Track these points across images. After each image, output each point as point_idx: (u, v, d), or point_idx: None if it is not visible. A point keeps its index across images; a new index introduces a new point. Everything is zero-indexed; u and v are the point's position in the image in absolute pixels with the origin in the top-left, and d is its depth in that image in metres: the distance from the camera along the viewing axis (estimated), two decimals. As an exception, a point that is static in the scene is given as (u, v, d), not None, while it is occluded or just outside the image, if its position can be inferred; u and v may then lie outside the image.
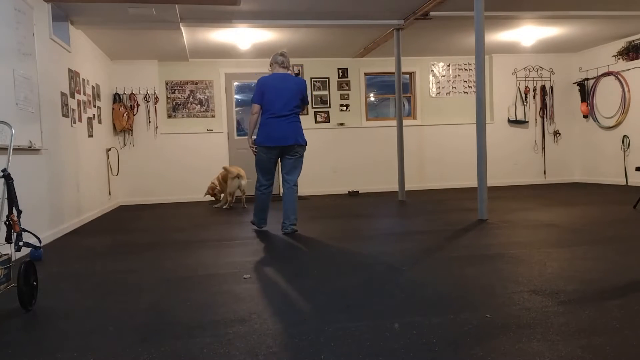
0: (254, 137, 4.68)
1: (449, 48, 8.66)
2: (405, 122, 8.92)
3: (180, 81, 8.65)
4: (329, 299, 2.51)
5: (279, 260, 3.47)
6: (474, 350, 1.80)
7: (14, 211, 2.56)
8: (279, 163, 4.72)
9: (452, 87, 9.46)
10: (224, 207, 7.16)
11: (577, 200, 6.47)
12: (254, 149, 4.65)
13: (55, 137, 5.05)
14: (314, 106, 9.08)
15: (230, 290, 2.72)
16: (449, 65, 9.43)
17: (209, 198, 7.76)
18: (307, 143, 4.71)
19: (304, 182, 8.91)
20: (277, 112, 4.51)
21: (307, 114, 9.03)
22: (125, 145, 8.35)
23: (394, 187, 8.39)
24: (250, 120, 4.65)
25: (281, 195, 4.78)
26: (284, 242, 4.23)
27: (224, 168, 7.18)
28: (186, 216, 6.35)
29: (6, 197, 2.55)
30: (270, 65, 4.70)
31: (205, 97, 8.74)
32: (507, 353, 1.76)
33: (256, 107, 4.58)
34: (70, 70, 5.72)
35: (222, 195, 7.26)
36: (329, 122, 9.12)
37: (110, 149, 7.81)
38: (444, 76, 9.43)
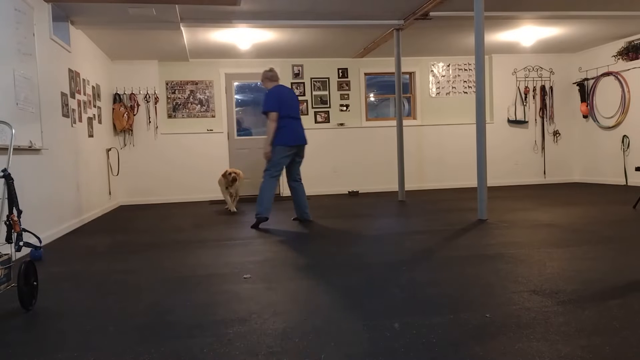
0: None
1: (449, 48, 8.66)
2: (405, 122, 8.93)
3: (181, 81, 8.65)
4: (329, 298, 2.51)
5: (279, 260, 3.47)
6: (474, 350, 1.80)
7: (14, 211, 2.56)
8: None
9: (452, 87, 9.46)
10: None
11: (577, 200, 6.47)
12: (270, 153, 5.09)
13: (55, 137, 5.05)
14: (314, 106, 9.08)
15: (230, 290, 2.72)
16: (448, 65, 9.43)
17: (216, 196, 7.71)
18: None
19: (303, 182, 8.91)
20: (293, 116, 5.13)
21: (307, 114, 9.04)
22: (125, 145, 8.35)
23: (394, 187, 8.39)
24: (272, 127, 5.04)
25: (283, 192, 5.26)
26: (283, 242, 4.24)
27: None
28: (186, 216, 6.35)
29: (6, 197, 2.55)
30: (263, 81, 5.31)
31: (205, 97, 8.74)
32: (507, 353, 1.76)
33: (276, 114, 5.04)
34: (70, 70, 5.72)
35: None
36: (329, 122, 9.12)
37: (110, 149, 7.81)
38: (443, 76, 9.43)
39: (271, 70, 5.33)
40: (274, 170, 5.10)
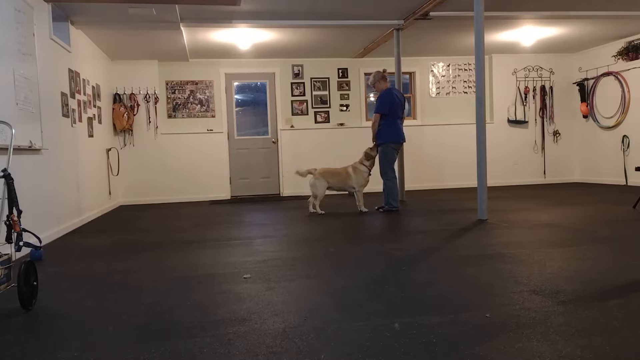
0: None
1: (449, 48, 8.66)
2: (405, 122, 8.90)
3: (181, 81, 8.65)
4: (329, 299, 2.51)
5: (279, 260, 3.47)
6: (474, 350, 1.80)
7: (14, 211, 2.56)
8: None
9: (452, 87, 9.45)
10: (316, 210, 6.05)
11: (577, 200, 6.47)
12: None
13: (55, 137, 5.05)
14: (314, 106, 9.08)
15: (230, 290, 2.72)
16: (448, 65, 9.43)
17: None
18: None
19: (303, 182, 8.91)
20: (399, 116, 5.90)
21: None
22: (125, 145, 8.35)
23: (394, 187, 8.38)
24: (375, 127, 5.89)
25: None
26: (283, 242, 4.24)
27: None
28: (186, 216, 6.35)
29: (6, 197, 2.55)
30: (378, 81, 5.95)
31: (205, 97, 8.73)
32: (507, 353, 1.76)
33: (380, 116, 5.82)
34: (70, 70, 5.72)
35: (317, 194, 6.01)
36: (329, 122, 9.12)
37: (110, 149, 7.81)
38: (443, 76, 9.43)
39: (385, 71, 6.05)
40: (390, 171, 5.85)
